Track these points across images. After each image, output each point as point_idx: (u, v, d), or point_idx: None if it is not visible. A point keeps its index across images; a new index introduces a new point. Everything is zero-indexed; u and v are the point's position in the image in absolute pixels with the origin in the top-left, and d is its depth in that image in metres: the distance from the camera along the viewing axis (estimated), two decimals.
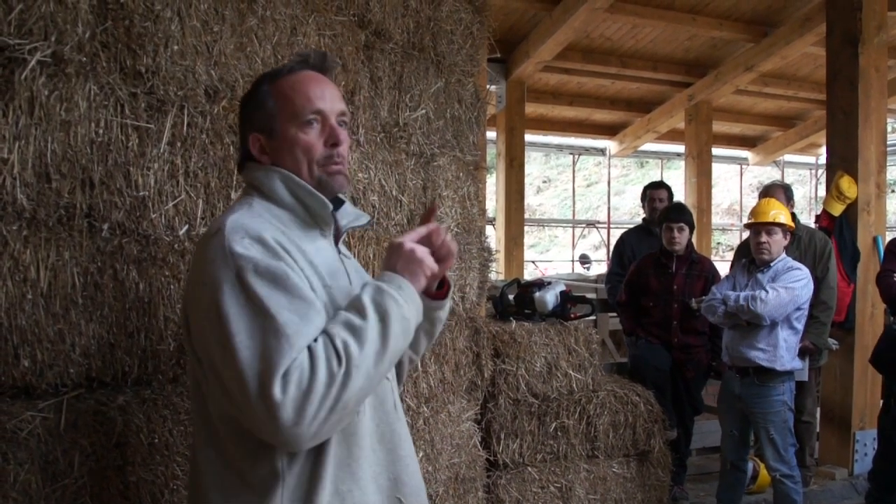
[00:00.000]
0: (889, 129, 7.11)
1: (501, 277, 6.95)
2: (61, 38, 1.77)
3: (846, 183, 4.83)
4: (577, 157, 13.83)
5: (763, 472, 4.28)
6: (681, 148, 10.57)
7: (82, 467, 1.77)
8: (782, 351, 3.57)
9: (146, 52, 1.92)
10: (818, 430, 4.95)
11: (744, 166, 14.46)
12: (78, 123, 1.81)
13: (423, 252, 1.38)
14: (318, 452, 1.32)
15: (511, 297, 3.96)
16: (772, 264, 3.65)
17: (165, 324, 1.96)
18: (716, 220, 15.58)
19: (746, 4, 7.17)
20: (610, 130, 10.93)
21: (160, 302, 1.95)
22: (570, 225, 16.04)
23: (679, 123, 9.83)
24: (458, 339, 3.03)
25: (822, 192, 12.76)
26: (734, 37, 7.74)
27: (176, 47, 1.97)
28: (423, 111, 2.86)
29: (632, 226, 6.37)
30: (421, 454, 2.71)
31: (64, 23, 1.78)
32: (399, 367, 1.63)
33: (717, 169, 12.87)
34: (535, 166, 21.80)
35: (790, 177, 15.38)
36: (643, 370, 4.26)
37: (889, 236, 5.08)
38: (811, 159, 14.32)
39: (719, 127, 10.24)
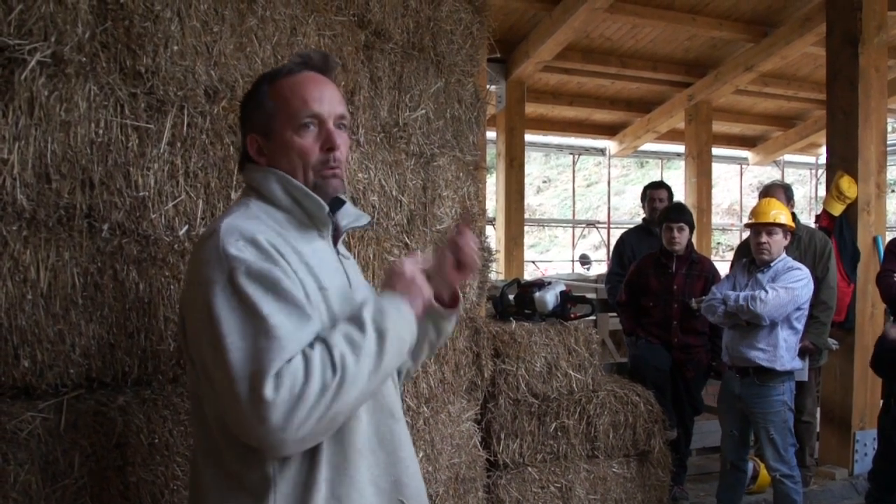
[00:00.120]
0: (889, 128, 7.11)
1: (501, 277, 6.95)
2: (61, 38, 1.77)
3: (846, 183, 4.83)
4: (576, 157, 13.83)
5: (763, 472, 4.28)
6: (681, 148, 10.57)
7: (82, 468, 1.77)
8: (782, 351, 3.57)
9: (146, 52, 1.92)
10: (818, 430, 4.95)
11: (744, 166, 14.46)
12: (78, 124, 1.81)
13: (421, 279, 1.41)
14: (311, 457, 1.31)
15: (511, 297, 3.96)
16: (772, 264, 3.65)
17: (165, 324, 1.96)
18: (716, 220, 15.57)
19: (746, 4, 7.17)
20: (610, 130, 10.93)
21: (160, 302, 1.95)
22: (570, 225, 16.04)
23: (679, 123, 9.83)
24: (458, 340, 3.03)
25: (822, 192, 12.76)
26: (734, 37, 7.74)
27: (176, 47, 1.97)
28: (423, 111, 2.86)
29: (632, 226, 6.37)
30: (421, 454, 2.71)
31: (64, 23, 1.78)
32: (397, 373, 1.62)
33: (717, 169, 12.87)
34: (535, 166, 21.81)
35: (790, 177, 15.38)
36: (643, 370, 4.26)
37: (889, 236, 5.07)
38: (811, 159, 14.32)
39: (719, 127, 10.24)
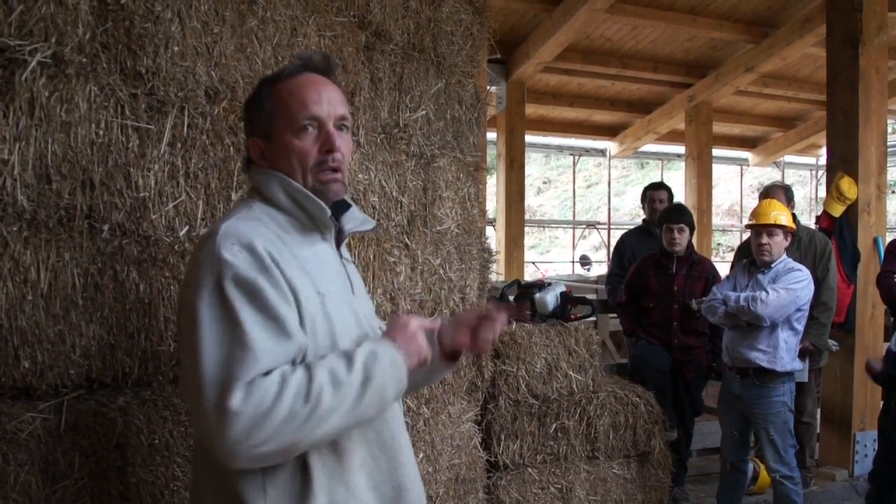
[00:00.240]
0: (889, 129, 7.11)
1: (502, 278, 6.96)
2: (62, 39, 1.77)
3: (846, 184, 4.83)
4: (577, 157, 13.82)
5: (763, 473, 4.28)
6: (681, 149, 10.58)
7: (82, 468, 1.77)
8: (782, 352, 3.57)
9: (146, 53, 1.92)
10: (818, 431, 4.94)
11: (744, 167, 14.46)
12: (78, 124, 1.81)
13: (423, 338, 1.40)
14: (302, 465, 1.30)
15: (511, 298, 3.97)
16: (772, 265, 3.65)
17: (166, 325, 1.96)
18: (716, 220, 15.56)
19: (747, 5, 7.17)
20: (610, 131, 10.93)
21: (160, 303, 1.95)
22: (571, 226, 16.03)
23: (679, 124, 9.83)
24: None
25: (822, 193, 12.74)
26: (734, 38, 7.74)
27: (176, 48, 1.97)
28: (424, 112, 2.86)
29: (632, 227, 6.37)
30: (421, 455, 2.71)
31: (64, 24, 1.78)
32: None
33: (718, 170, 12.86)
34: (535, 167, 21.82)
35: (790, 178, 15.37)
36: (643, 371, 4.26)
37: (889, 237, 5.07)
38: (811, 160, 14.32)
39: (719, 128, 10.25)
